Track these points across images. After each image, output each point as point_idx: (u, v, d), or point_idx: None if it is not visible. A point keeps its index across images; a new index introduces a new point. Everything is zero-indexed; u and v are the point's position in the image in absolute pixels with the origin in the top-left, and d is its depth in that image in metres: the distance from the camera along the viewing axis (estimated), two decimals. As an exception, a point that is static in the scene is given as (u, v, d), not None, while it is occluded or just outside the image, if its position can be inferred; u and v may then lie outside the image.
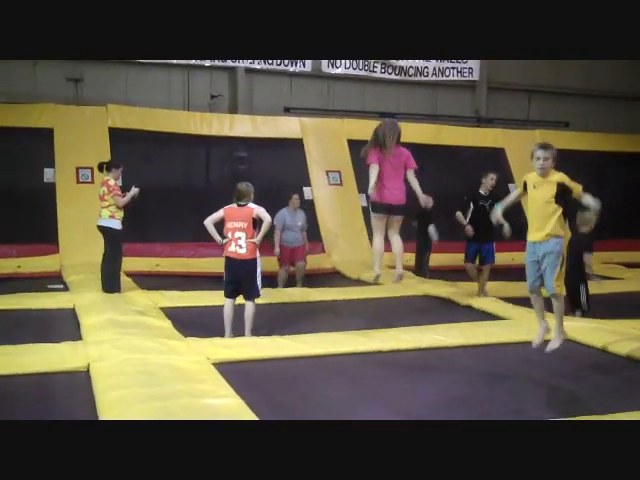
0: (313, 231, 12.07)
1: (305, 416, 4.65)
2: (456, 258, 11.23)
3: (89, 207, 9.70)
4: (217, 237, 6.92)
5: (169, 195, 11.77)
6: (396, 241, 7.15)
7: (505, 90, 15.98)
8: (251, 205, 6.88)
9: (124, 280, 9.02)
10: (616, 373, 5.92)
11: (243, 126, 12.91)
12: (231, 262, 6.85)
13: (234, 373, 5.42)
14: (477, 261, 9.08)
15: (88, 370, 5.41)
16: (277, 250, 9.95)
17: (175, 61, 12.40)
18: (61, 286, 9.35)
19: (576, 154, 14.38)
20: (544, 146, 5.50)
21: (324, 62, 13.28)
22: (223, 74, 13.93)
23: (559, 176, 5.44)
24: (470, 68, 14.40)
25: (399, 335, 6.82)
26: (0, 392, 5.01)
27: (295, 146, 12.79)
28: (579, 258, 7.80)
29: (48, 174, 11.43)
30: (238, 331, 6.85)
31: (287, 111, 14.05)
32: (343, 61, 13.35)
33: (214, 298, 8.38)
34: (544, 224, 5.41)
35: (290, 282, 10.00)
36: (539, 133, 14.99)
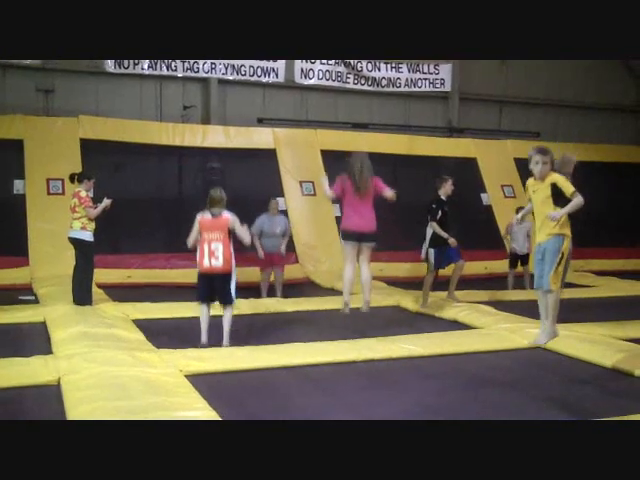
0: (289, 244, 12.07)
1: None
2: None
3: (60, 219, 9.61)
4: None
5: (141, 206, 11.70)
6: (365, 271, 7.19)
7: (477, 101, 16.13)
8: (225, 214, 6.77)
9: (96, 292, 8.93)
10: (589, 380, 5.97)
11: (216, 137, 12.88)
12: (206, 276, 6.74)
13: (207, 385, 5.38)
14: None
15: (59, 384, 5.34)
16: (261, 253, 9.88)
17: (147, 72, 12.35)
18: (32, 297, 9.24)
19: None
20: (541, 150, 5.72)
21: (297, 73, 13.31)
22: (196, 85, 13.89)
23: (553, 177, 5.61)
24: (442, 79, 14.51)
25: (372, 345, 6.82)
26: (-32, 407, 4.93)
27: (268, 157, 12.79)
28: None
29: (18, 186, 11.30)
30: (215, 340, 6.81)
31: (260, 122, 14.05)
32: (316, 72, 13.39)
33: (186, 309, 8.36)
34: (543, 224, 5.63)
35: (270, 290, 9.99)
36: (510, 143, 15.15)
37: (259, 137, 13.14)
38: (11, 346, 6.60)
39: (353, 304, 7.58)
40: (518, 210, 11.55)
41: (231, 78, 13.03)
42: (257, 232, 9.89)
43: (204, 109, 13.99)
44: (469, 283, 10.72)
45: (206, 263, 6.65)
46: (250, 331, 7.63)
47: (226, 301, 6.80)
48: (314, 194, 12.96)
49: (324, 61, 13.28)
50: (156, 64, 12.23)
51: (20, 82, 12.53)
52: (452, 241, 8.77)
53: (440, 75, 14.44)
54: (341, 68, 13.51)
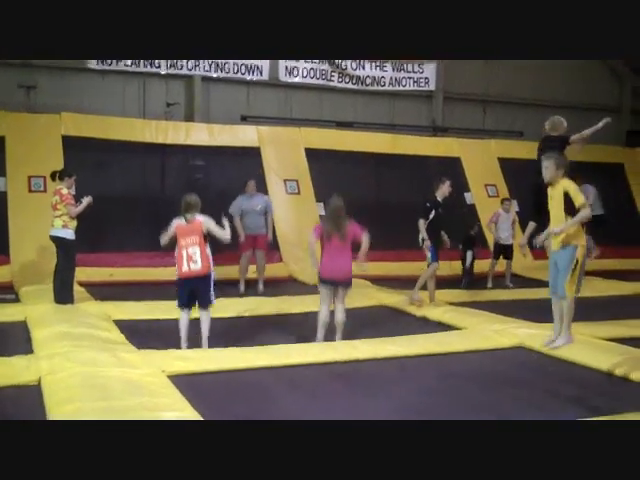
0: (272, 243, 12.04)
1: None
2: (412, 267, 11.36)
3: (41, 217, 9.51)
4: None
5: (124, 204, 11.61)
6: (339, 315, 7.18)
7: (461, 100, 16.17)
8: (199, 217, 6.73)
9: (77, 290, 8.86)
10: (572, 380, 5.99)
11: (199, 134, 12.82)
12: (186, 280, 6.70)
13: (190, 386, 5.35)
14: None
15: (39, 384, 5.29)
16: (242, 235, 9.84)
17: (130, 69, 12.26)
18: (13, 296, 9.14)
19: (530, 163, 14.62)
20: (548, 156, 5.78)
21: (281, 71, 13.26)
22: (179, 82, 13.81)
23: (565, 185, 5.65)
24: (426, 78, 14.52)
25: (356, 345, 6.81)
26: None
27: (252, 155, 12.74)
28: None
29: (-1, 183, 11.20)
30: (194, 343, 6.77)
31: (244, 120, 14.00)
32: (300, 70, 13.35)
33: (168, 310, 8.32)
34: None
35: (250, 288, 9.95)
36: (494, 143, 15.20)
37: (243, 135, 13.09)
38: (-9, 345, 6.54)
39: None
40: (503, 201, 11.70)
41: (215, 75, 12.97)
42: (237, 212, 9.84)
43: (188, 106, 13.91)
44: (452, 282, 10.75)
45: (185, 267, 6.63)
46: (233, 332, 7.59)
47: (205, 303, 6.76)
48: (298, 192, 12.94)
49: (308, 59, 13.24)
50: (139, 61, 12.14)
51: (2, 78, 12.39)
52: (427, 243, 8.76)
53: (424, 74, 14.45)
54: (326, 66, 13.48)
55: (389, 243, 11.85)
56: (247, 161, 12.65)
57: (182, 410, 4.74)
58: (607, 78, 17.66)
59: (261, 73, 13.09)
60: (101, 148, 11.82)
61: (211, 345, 6.76)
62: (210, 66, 12.72)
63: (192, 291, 6.74)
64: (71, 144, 11.57)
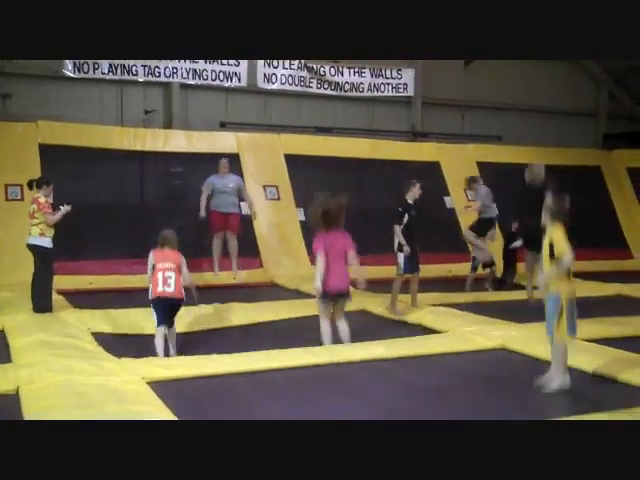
0: (251, 246, 12.01)
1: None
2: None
3: (18, 225, 9.41)
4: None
5: (103, 212, 11.52)
6: (342, 326, 7.13)
7: (439, 105, 16.24)
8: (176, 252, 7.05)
9: (56, 299, 8.76)
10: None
11: (178, 141, 12.76)
12: (160, 300, 6.88)
13: (170, 392, 5.31)
14: None
15: (18, 393, 5.22)
16: (202, 213, 9.80)
17: (108, 76, 12.17)
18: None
19: (508, 166, 14.73)
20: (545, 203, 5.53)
21: (260, 77, 13.23)
22: (157, 89, 13.76)
23: (552, 231, 5.37)
24: (405, 84, 14.54)
25: (335, 349, 6.79)
26: None
27: (231, 161, 12.68)
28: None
29: (-24, 192, 11.06)
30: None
31: (223, 126, 13.96)
32: (279, 76, 13.33)
33: (146, 319, 8.28)
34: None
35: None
36: (473, 147, 15.28)
37: (222, 141, 13.05)
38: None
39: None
40: (469, 180, 11.75)
41: (193, 82, 12.92)
42: (208, 190, 9.83)
43: (166, 114, 13.86)
44: (432, 285, 10.76)
45: (160, 289, 6.85)
46: (214, 339, 7.58)
47: (172, 323, 6.99)
48: (278, 198, 12.92)
49: (287, 66, 13.22)
50: (116, 68, 12.06)
51: (-23, 87, 12.31)
52: (406, 249, 8.71)
53: (403, 80, 14.47)
54: (304, 73, 13.47)
55: (369, 247, 11.85)
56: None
57: (163, 417, 4.70)
58: (584, 82, 17.83)
59: (239, 80, 13.05)
60: (79, 156, 11.73)
61: (188, 353, 6.71)
62: (188, 73, 12.66)
63: (167, 310, 6.91)
64: (48, 152, 11.47)
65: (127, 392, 5.26)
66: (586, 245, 14.25)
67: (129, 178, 12.37)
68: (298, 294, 10.33)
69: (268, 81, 13.27)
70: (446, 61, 15.83)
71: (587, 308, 9.30)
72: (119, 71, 12.11)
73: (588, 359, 6.36)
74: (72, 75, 11.88)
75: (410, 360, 6.64)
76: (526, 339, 7.09)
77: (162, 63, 12.32)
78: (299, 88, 13.56)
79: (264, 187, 12.85)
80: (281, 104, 14.63)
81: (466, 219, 13.06)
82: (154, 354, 6.59)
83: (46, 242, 8.30)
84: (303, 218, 12.74)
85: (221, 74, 12.89)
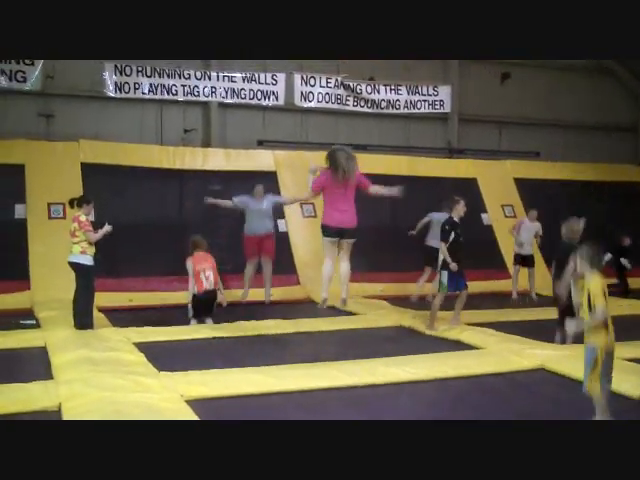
0: (287, 262, 12.07)
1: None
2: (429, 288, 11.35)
3: (61, 243, 9.60)
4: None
5: (142, 229, 11.69)
6: (344, 267, 7.08)
7: (476, 122, 16.19)
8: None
9: (97, 316, 8.91)
10: (588, 403, 5.91)
11: (216, 159, 12.93)
12: (205, 294, 9.03)
13: (207, 411, 5.32)
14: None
15: (59, 410, 5.31)
16: (209, 200, 10.47)
17: (148, 96, 12.40)
18: (34, 322, 9.21)
19: (547, 183, 14.61)
20: (580, 248, 5.22)
21: (297, 96, 13.35)
22: (196, 109, 13.96)
23: (589, 280, 4.99)
24: (441, 100, 14.55)
25: (374, 368, 6.75)
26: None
27: (269, 179, 12.80)
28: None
29: (19, 210, 11.31)
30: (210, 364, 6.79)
31: (260, 144, 14.09)
32: (316, 95, 13.43)
33: (187, 332, 8.39)
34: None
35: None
36: (510, 163, 15.19)
37: (260, 159, 13.18)
38: (11, 371, 6.56)
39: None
40: (529, 211, 11.87)
41: (231, 101, 13.08)
42: (240, 205, 9.90)
43: (205, 132, 14.04)
44: (471, 303, 10.68)
45: (205, 285, 8.94)
46: (253, 351, 7.64)
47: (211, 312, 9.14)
48: (315, 216, 12.96)
49: (323, 84, 13.33)
50: (156, 88, 12.28)
51: (21, 107, 12.60)
52: (453, 266, 8.62)
53: (439, 97, 14.48)
54: (341, 91, 13.56)
55: (406, 265, 11.85)
56: (264, 185, 12.69)
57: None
58: (622, 97, 17.61)
59: (277, 98, 13.19)
60: (119, 174, 11.95)
61: (228, 365, 6.80)
62: (226, 92, 12.84)
63: (205, 304, 9.00)
64: (90, 171, 11.70)
65: (164, 410, 5.30)
66: (633, 262, 14.09)
67: (169, 196, 12.55)
68: (334, 311, 10.34)
69: (305, 99, 13.38)
70: (482, 77, 15.84)
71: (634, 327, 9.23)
72: (159, 91, 12.34)
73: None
74: (113, 95, 12.13)
75: (446, 381, 6.58)
76: (566, 358, 6.99)
77: (201, 82, 12.54)
78: (336, 106, 13.66)
79: (301, 204, 12.90)
80: (318, 122, 14.73)
81: (505, 236, 13.01)
82: (194, 363, 6.72)
83: (87, 260, 8.45)
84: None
85: (259, 93, 13.04)
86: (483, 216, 14.13)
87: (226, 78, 12.72)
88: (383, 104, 14.03)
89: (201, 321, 9.15)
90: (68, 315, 8.58)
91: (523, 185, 14.54)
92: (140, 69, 12.03)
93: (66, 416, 5.11)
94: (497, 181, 14.58)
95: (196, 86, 12.56)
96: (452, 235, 8.68)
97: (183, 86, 12.43)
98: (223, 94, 12.85)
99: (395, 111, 14.27)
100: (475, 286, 11.53)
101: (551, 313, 10.17)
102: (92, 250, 8.48)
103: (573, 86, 16.67)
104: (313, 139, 14.60)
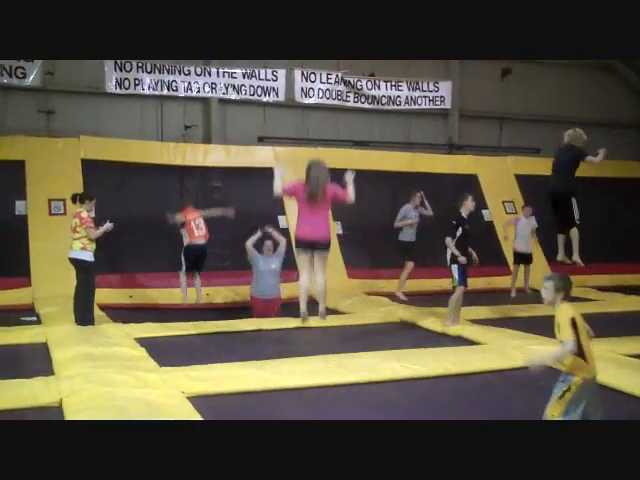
0: (289, 259, 12.04)
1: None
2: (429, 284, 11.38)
3: (61, 239, 9.59)
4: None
5: (143, 226, 11.67)
6: (320, 280, 7.04)
7: (477, 117, 16.18)
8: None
9: (97, 314, 8.91)
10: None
11: (217, 156, 12.92)
12: (195, 245, 10.37)
13: (208, 407, 5.32)
14: None
15: (60, 405, 5.31)
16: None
17: (148, 92, 12.38)
18: (34, 318, 9.21)
19: (548, 179, 14.57)
20: (547, 277, 4.90)
21: (297, 92, 13.34)
22: (196, 105, 13.95)
23: (559, 311, 4.60)
24: (442, 96, 14.53)
25: (374, 365, 6.75)
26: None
27: (269, 175, 12.68)
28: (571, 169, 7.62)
29: (20, 206, 11.30)
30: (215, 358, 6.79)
31: (261, 141, 14.08)
32: (316, 91, 13.41)
33: (189, 327, 8.38)
34: None
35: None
36: (511, 159, 15.17)
37: (260, 156, 13.16)
38: (12, 367, 6.57)
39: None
40: (524, 207, 11.79)
41: (231, 98, 13.07)
42: (250, 256, 9.76)
43: (205, 128, 14.03)
44: (471, 299, 10.68)
45: (196, 233, 10.27)
46: (254, 347, 7.65)
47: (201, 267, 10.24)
48: (315, 212, 12.96)
49: (324, 80, 13.32)
50: (157, 84, 12.27)
51: (21, 103, 12.60)
52: (462, 259, 8.62)
53: (440, 92, 14.45)
54: (341, 87, 13.54)
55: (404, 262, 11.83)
56: (264, 181, 12.61)
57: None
58: (624, 94, 17.59)
59: (277, 94, 13.17)
60: (120, 171, 11.93)
61: (228, 360, 6.79)
62: (227, 88, 12.82)
63: (196, 255, 10.15)
64: (90, 167, 11.69)
65: (165, 407, 5.29)
66: (627, 259, 14.12)
67: (169, 192, 12.52)
68: (334, 312, 10.34)
69: (305, 95, 13.37)
70: (483, 73, 15.81)
71: (629, 322, 9.24)
72: (159, 87, 12.32)
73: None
74: (113, 91, 12.11)
75: (448, 378, 6.57)
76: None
77: (201, 78, 12.52)
78: (336, 102, 13.64)
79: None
80: (318, 118, 14.71)
81: (504, 232, 13.01)
82: (195, 358, 6.73)
83: (88, 256, 8.45)
84: (340, 232, 12.78)
85: (259, 89, 13.02)
86: (484, 212, 14.12)
87: (226, 74, 12.70)
88: (384, 100, 14.01)
89: (191, 276, 10.44)
90: (69, 311, 8.59)
91: (524, 181, 14.51)
92: (140, 65, 12.01)
93: (67, 412, 5.11)
94: (498, 177, 14.57)
95: (196, 82, 12.55)
96: (459, 231, 8.68)
97: (183, 82, 12.42)
98: (223, 90, 12.83)
99: (396, 107, 14.25)
100: (475, 282, 11.55)
101: (551, 309, 10.21)
102: (93, 246, 8.48)
103: (575, 82, 16.65)
104: (313, 135, 14.59)
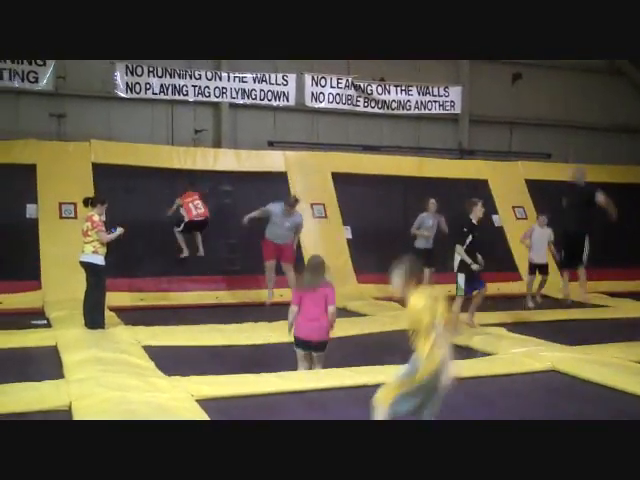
0: (298, 262, 12.04)
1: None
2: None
3: (72, 242, 9.62)
4: None
5: (153, 229, 11.71)
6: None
7: (487, 122, 16.16)
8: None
9: (108, 315, 8.92)
10: (604, 404, 5.89)
11: (227, 160, 12.94)
12: (192, 221, 10.89)
13: (219, 410, 5.34)
14: None
15: (70, 409, 5.32)
16: (245, 220, 10.47)
17: (159, 96, 12.43)
18: (45, 322, 9.24)
19: (558, 185, 14.51)
20: (394, 263, 4.46)
21: (307, 96, 13.35)
22: (207, 109, 13.99)
23: (411, 303, 4.30)
24: (452, 101, 14.51)
25: (384, 369, 6.74)
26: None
27: (279, 179, 12.81)
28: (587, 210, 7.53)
29: (31, 210, 11.33)
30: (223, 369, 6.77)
31: (271, 145, 14.10)
32: (326, 95, 13.42)
33: (198, 335, 8.36)
34: None
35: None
36: (521, 164, 15.13)
37: (270, 160, 13.18)
38: (22, 370, 6.58)
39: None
40: (539, 216, 11.53)
41: (242, 102, 13.10)
42: (264, 214, 10.30)
43: (215, 133, 14.06)
44: (482, 305, 10.65)
45: (194, 212, 10.93)
46: (263, 356, 7.61)
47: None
48: (325, 216, 12.97)
49: (334, 84, 13.33)
50: (167, 89, 12.30)
51: (33, 107, 12.66)
52: (475, 267, 8.59)
53: (450, 97, 14.44)
54: (351, 91, 13.54)
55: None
56: (274, 186, 12.71)
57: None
58: (635, 98, 17.52)
59: (287, 99, 13.18)
60: (130, 174, 11.96)
61: (238, 370, 6.78)
62: (237, 93, 12.85)
63: (195, 227, 10.95)
64: (101, 171, 11.73)
65: (175, 409, 5.31)
66: (636, 265, 14.03)
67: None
68: (345, 312, 10.33)
69: (316, 100, 13.37)
70: (493, 78, 15.80)
71: (635, 328, 9.19)
72: (170, 91, 12.35)
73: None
74: (124, 95, 12.15)
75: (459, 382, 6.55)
76: (576, 361, 6.97)
77: (212, 83, 12.55)
78: (346, 107, 13.65)
79: (311, 205, 12.90)
80: (328, 123, 14.73)
81: (516, 238, 12.97)
82: (205, 370, 6.69)
83: (99, 259, 8.47)
84: (350, 236, 12.78)
85: (269, 93, 13.04)
86: (494, 217, 14.09)
87: (237, 79, 12.73)
88: (394, 105, 14.01)
89: (190, 237, 11.06)
90: (79, 315, 8.60)
91: (534, 186, 14.48)
92: (151, 69, 12.05)
93: (76, 415, 5.12)
94: (508, 182, 14.53)
95: (207, 86, 12.57)
96: (470, 238, 8.64)
97: (194, 86, 12.44)
98: (234, 94, 12.85)
99: (406, 112, 14.24)
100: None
101: (562, 314, 10.19)
102: (104, 250, 8.49)
103: (585, 87, 16.61)
104: (324, 140, 14.59)
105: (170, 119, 13.64)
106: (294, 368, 6.80)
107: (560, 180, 14.62)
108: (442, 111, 14.58)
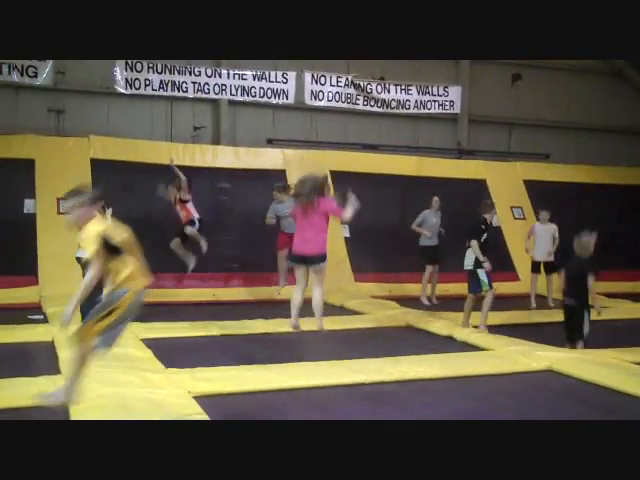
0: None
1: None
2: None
3: (69, 238, 9.59)
4: None
5: (151, 226, 11.67)
6: (315, 295, 7.08)
7: (486, 123, 16.15)
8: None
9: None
10: (599, 404, 5.89)
11: (226, 157, 12.93)
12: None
13: (215, 407, 5.33)
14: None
15: (66, 404, 5.31)
16: (268, 221, 10.83)
17: (158, 93, 12.42)
18: (41, 317, 9.22)
19: (557, 185, 14.54)
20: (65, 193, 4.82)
21: (307, 95, 13.34)
22: (206, 106, 13.97)
23: (87, 230, 4.80)
24: (451, 101, 14.52)
25: (381, 366, 6.75)
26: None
27: (278, 177, 12.80)
28: (583, 282, 7.70)
29: (28, 205, 11.32)
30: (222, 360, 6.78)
31: (270, 143, 14.09)
32: (326, 94, 13.42)
33: (195, 329, 8.37)
34: None
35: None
36: (520, 165, 15.14)
37: (269, 158, 13.17)
38: (19, 365, 6.59)
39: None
40: (539, 212, 11.51)
41: (241, 99, 13.09)
42: (271, 215, 10.59)
43: (214, 130, 14.04)
44: (479, 305, 10.65)
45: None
46: (261, 350, 7.62)
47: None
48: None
49: (334, 83, 13.33)
50: (167, 85, 12.30)
51: (32, 102, 12.63)
52: (487, 265, 8.67)
53: (449, 97, 14.45)
54: (351, 90, 13.55)
55: (414, 265, 11.82)
56: (273, 184, 12.68)
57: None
58: (633, 99, 17.52)
59: (287, 97, 13.18)
60: (129, 170, 11.95)
61: (239, 363, 6.80)
62: (236, 90, 12.85)
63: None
64: (99, 167, 11.71)
65: (172, 406, 5.30)
66: (635, 266, 14.05)
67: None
68: (342, 310, 10.34)
69: (315, 98, 13.38)
70: (492, 78, 15.80)
71: (634, 330, 9.21)
72: (169, 87, 12.35)
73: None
74: (123, 91, 12.14)
75: (456, 380, 6.56)
76: (573, 361, 6.97)
77: (211, 80, 12.54)
78: (346, 105, 13.65)
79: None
80: (328, 121, 14.71)
81: (514, 238, 12.97)
82: (200, 360, 6.72)
83: (96, 255, 8.43)
84: (348, 235, 12.77)
85: (269, 91, 13.04)
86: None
87: (236, 76, 12.73)
88: (393, 104, 14.01)
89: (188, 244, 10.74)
90: (76, 311, 8.55)
91: (533, 187, 14.49)
92: (151, 66, 12.04)
93: (73, 411, 5.11)
94: (506, 183, 14.55)
95: (206, 83, 12.57)
96: (484, 235, 8.75)
97: (193, 83, 12.45)
98: (233, 92, 12.85)
99: (405, 111, 14.26)
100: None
101: (559, 316, 10.18)
102: (101, 246, 8.46)
103: (584, 88, 16.61)
104: (323, 138, 14.59)
105: (169, 115, 13.62)
106: (300, 359, 6.81)
107: (559, 181, 14.72)
108: (441, 111, 14.60)
